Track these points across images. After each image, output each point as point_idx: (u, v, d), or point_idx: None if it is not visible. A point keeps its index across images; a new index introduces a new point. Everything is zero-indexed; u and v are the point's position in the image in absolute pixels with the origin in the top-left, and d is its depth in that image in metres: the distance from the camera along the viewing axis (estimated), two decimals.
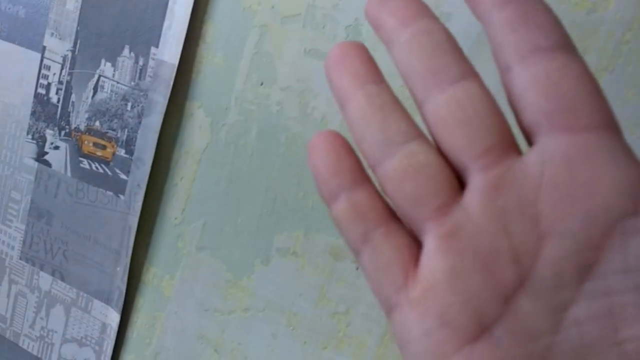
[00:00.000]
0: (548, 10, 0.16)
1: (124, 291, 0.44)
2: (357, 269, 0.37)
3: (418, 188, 0.16)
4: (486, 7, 0.16)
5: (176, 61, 0.39)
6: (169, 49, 0.40)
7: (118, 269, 0.44)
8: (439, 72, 0.16)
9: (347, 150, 0.17)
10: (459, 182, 0.16)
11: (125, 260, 0.43)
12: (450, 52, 0.16)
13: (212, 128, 0.40)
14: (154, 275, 0.43)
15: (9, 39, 0.46)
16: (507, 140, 0.16)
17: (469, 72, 0.16)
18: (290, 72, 0.37)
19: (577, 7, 0.30)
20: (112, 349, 0.45)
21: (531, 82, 0.15)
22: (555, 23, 0.15)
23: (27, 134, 0.46)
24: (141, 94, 0.41)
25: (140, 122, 0.42)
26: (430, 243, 0.16)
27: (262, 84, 0.38)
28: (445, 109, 0.16)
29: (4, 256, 0.49)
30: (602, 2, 0.30)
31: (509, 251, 0.15)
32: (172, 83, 0.40)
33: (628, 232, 0.14)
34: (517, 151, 0.16)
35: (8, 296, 0.49)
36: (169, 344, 0.43)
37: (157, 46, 0.40)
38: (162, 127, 0.40)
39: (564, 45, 0.15)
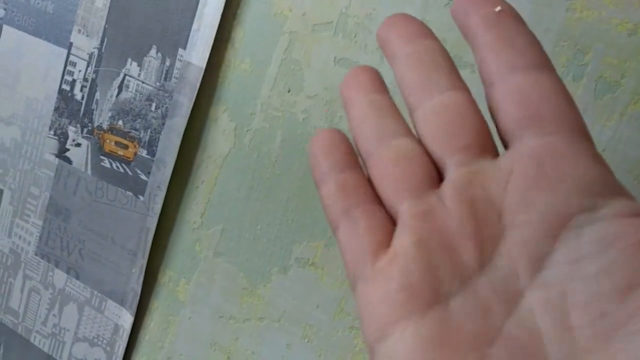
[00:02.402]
0: (526, 34, 0.18)
1: (139, 293, 0.43)
2: None
3: (401, 174, 0.18)
4: (472, 30, 0.18)
5: (203, 64, 0.39)
6: (197, 52, 0.39)
7: (134, 270, 0.43)
8: (431, 83, 0.18)
9: (342, 139, 0.20)
10: (440, 178, 0.18)
11: (142, 261, 0.43)
12: (443, 67, 0.19)
13: (236, 133, 0.39)
14: (169, 278, 0.43)
15: (36, 33, 0.46)
16: (485, 143, 0.18)
17: (457, 84, 0.19)
18: (319, 80, 0.37)
19: (618, 28, 0.30)
20: (123, 350, 0.45)
21: (507, 96, 0.17)
22: (532, 44, 0.17)
23: (50, 129, 0.46)
24: (166, 95, 0.41)
25: (164, 124, 0.41)
26: (403, 220, 0.18)
27: (289, 91, 0.37)
28: (432, 113, 0.18)
29: (19, 251, 0.49)
30: None
31: (474, 237, 0.16)
32: (198, 86, 0.39)
33: (583, 225, 0.15)
34: (495, 154, 0.18)
35: (22, 291, 0.49)
36: (181, 349, 0.43)
37: (184, 48, 0.40)
38: (186, 129, 0.40)
39: (538, 64, 0.17)
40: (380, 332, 0.17)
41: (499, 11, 0.18)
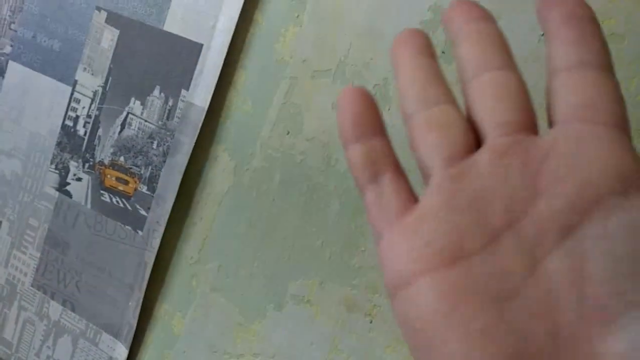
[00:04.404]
0: (599, 36, 0.19)
1: (134, 326, 0.44)
2: (371, 322, 0.37)
3: (439, 138, 0.19)
4: (551, 24, 0.20)
5: (206, 105, 0.41)
6: (199, 93, 0.41)
7: (130, 303, 0.44)
8: (488, 60, 0.20)
9: (372, 104, 0.21)
10: (477, 147, 0.19)
11: (138, 295, 0.44)
12: (500, 47, 0.20)
13: (236, 172, 0.41)
14: (165, 312, 0.44)
15: (42, 70, 0.47)
16: (529, 121, 0.19)
17: (511, 65, 0.20)
18: (317, 124, 0.38)
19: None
20: None
21: (569, 85, 0.18)
22: (602, 47, 0.19)
23: (51, 163, 0.47)
24: (168, 133, 0.42)
25: (164, 161, 0.42)
26: (435, 182, 0.19)
27: (288, 133, 0.39)
28: (485, 85, 0.19)
29: (15, 282, 0.49)
30: (624, 82, 0.31)
31: (504, 200, 0.17)
32: (200, 126, 0.41)
33: (614, 207, 0.16)
34: (536, 134, 0.19)
35: (16, 322, 0.49)
36: None
37: (187, 89, 0.41)
38: (186, 167, 0.41)
39: (603, 65, 0.19)
40: (403, 280, 0.18)
41: (578, 12, 0.19)
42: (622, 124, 0.18)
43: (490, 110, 0.19)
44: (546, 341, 0.16)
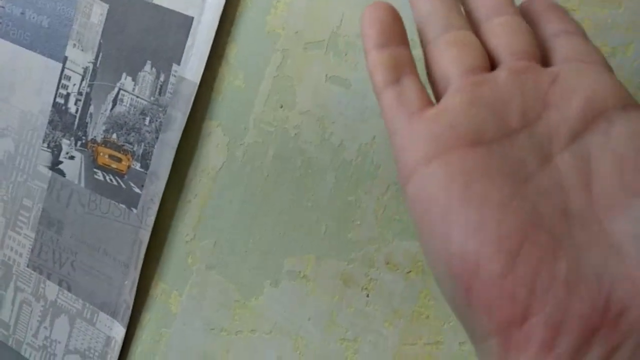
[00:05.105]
0: (571, 17, 0.23)
1: (131, 305, 0.44)
2: (368, 296, 0.37)
3: (459, 53, 0.21)
4: (538, 10, 0.23)
5: (198, 79, 0.40)
6: (191, 67, 0.40)
7: (126, 282, 0.44)
8: (502, 7, 0.22)
9: (399, 18, 0.22)
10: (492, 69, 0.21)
11: (134, 274, 0.43)
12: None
13: (229, 147, 0.40)
14: (162, 290, 0.43)
15: (31, 47, 0.46)
16: (538, 54, 0.21)
17: (518, 12, 0.23)
18: (310, 97, 0.37)
19: None
20: None
21: (560, 44, 0.22)
22: (577, 23, 0.23)
23: (43, 142, 0.46)
24: (160, 109, 0.42)
25: (157, 137, 0.42)
26: (455, 86, 0.20)
27: (281, 107, 0.38)
28: (500, 24, 0.22)
29: (11, 263, 0.49)
30: (622, 48, 0.31)
31: (520, 105, 0.20)
32: (192, 100, 0.40)
33: (616, 118, 0.19)
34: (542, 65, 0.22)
35: (13, 303, 0.49)
36: None
37: (179, 63, 0.41)
38: (179, 143, 0.41)
39: (583, 34, 0.22)
40: (423, 160, 0.19)
41: (551, 3, 0.23)
42: (609, 68, 0.21)
43: (507, 42, 0.21)
44: (558, 217, 0.18)
